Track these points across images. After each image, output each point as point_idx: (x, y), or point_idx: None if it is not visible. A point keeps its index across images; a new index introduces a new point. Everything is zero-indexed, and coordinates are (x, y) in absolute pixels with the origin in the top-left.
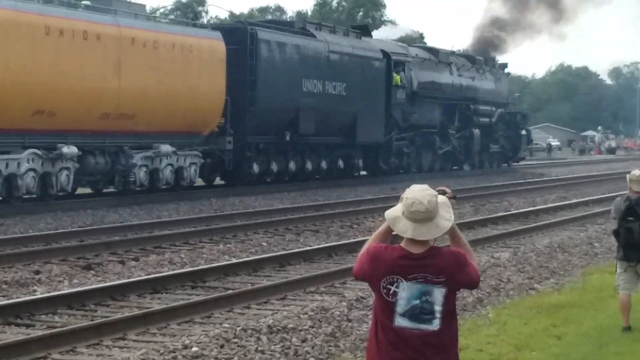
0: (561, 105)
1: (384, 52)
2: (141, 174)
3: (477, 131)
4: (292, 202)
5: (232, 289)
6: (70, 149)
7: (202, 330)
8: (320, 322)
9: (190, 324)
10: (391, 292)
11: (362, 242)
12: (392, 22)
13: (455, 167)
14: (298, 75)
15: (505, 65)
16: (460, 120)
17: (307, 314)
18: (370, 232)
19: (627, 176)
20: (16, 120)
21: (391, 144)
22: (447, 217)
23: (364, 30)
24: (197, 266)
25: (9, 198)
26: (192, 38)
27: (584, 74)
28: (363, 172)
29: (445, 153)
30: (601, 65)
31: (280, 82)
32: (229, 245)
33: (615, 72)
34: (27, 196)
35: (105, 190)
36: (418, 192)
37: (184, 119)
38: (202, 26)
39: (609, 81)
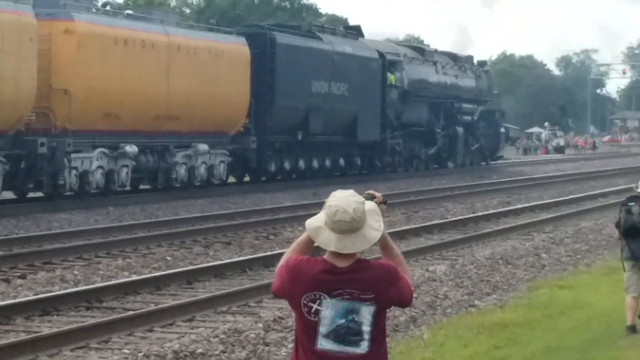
0: (503, 99)
1: (379, 52)
2: (182, 172)
3: (460, 129)
4: (201, 211)
5: (133, 310)
6: (132, 148)
7: (99, 357)
8: (234, 346)
9: (85, 349)
10: (313, 310)
11: (280, 255)
12: (313, 7)
13: (435, 166)
14: (309, 76)
15: (484, 63)
16: (445, 119)
17: (218, 337)
18: (290, 244)
19: None
20: (89, 123)
21: (386, 142)
22: (375, 227)
23: (358, 31)
24: (93, 284)
25: (82, 193)
26: (223, 44)
27: (529, 64)
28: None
29: (433, 150)
30: (548, 53)
31: (295, 84)
32: (128, 260)
33: (564, 62)
34: (95, 191)
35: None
36: (342, 200)
37: (216, 119)
38: (229, 32)
39: (557, 71)
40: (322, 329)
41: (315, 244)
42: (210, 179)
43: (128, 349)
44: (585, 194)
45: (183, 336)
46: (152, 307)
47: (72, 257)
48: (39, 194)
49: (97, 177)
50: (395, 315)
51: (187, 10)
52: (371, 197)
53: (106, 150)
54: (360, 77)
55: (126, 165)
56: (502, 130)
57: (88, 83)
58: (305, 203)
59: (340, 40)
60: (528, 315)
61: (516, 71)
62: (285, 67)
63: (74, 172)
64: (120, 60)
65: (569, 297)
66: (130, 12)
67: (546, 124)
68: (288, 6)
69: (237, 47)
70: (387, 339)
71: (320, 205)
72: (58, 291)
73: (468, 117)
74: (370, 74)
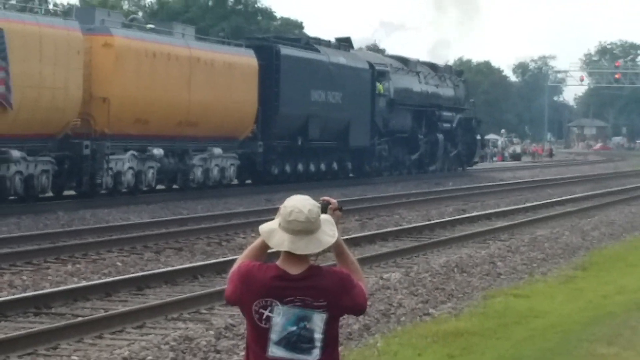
0: None
1: (369, 63)
2: (198, 173)
3: (441, 136)
4: (152, 216)
5: (82, 316)
6: (158, 151)
7: None
8: (184, 353)
9: (33, 356)
10: (264, 317)
11: (232, 262)
12: (268, 10)
13: (418, 171)
14: (308, 86)
15: (461, 73)
16: (426, 126)
17: (168, 344)
18: (242, 250)
19: None
20: (123, 128)
21: (374, 148)
22: (330, 233)
23: (349, 43)
24: (42, 290)
25: (114, 193)
26: (235, 56)
27: (486, 70)
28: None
29: (415, 156)
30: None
31: (296, 93)
32: (78, 265)
33: (521, 68)
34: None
35: None
36: (298, 201)
37: (228, 125)
38: (239, 45)
39: (514, 78)
40: (274, 336)
41: (269, 250)
42: (222, 180)
43: (77, 356)
44: (542, 201)
45: (133, 343)
46: (102, 313)
47: (20, 262)
48: None
49: (129, 177)
50: (349, 323)
51: (140, 13)
52: (327, 203)
53: (136, 153)
54: (353, 87)
55: (152, 167)
56: (478, 137)
57: (123, 92)
58: (258, 209)
59: (335, 52)
60: (483, 324)
61: (473, 77)
62: (288, 77)
63: (109, 172)
64: (149, 71)
65: (524, 306)
66: (152, 25)
67: (503, 131)
68: (242, 9)
69: (247, 59)
70: (340, 347)
71: (272, 212)
72: (6, 297)
73: (447, 125)
74: (362, 84)
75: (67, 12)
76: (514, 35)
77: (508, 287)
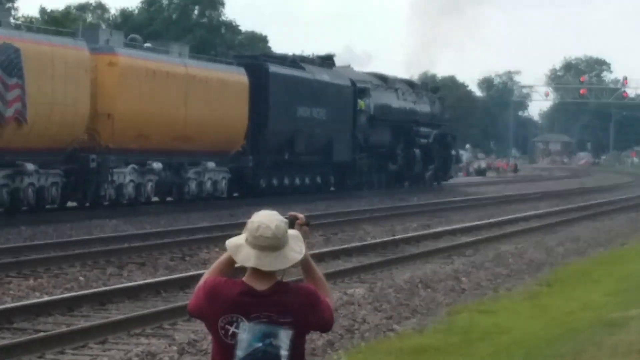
0: None
1: (351, 80)
2: (193, 186)
3: (418, 151)
4: (114, 230)
5: (44, 331)
6: (157, 165)
7: None
8: None
9: None
10: (230, 333)
11: (196, 277)
12: (233, 24)
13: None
14: (295, 102)
15: (437, 89)
16: (404, 141)
17: (131, 359)
18: (206, 266)
19: None
20: (125, 142)
21: (355, 162)
22: (297, 250)
23: (331, 61)
24: (3, 304)
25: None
26: (227, 74)
27: (451, 84)
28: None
29: (393, 171)
30: (470, 74)
31: (284, 109)
32: (40, 280)
33: (486, 83)
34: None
35: None
36: (265, 217)
37: (221, 140)
38: (230, 63)
39: (479, 93)
40: (239, 353)
41: (235, 265)
42: (215, 193)
43: None
44: (506, 217)
45: (95, 358)
46: (64, 328)
47: None
48: None
49: (129, 190)
50: (313, 339)
51: (104, 25)
52: (294, 219)
53: (136, 166)
54: (336, 103)
55: (151, 180)
56: (453, 152)
57: (126, 108)
58: (222, 224)
59: (319, 70)
60: (447, 340)
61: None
62: (277, 94)
63: (112, 185)
64: (150, 89)
65: (489, 322)
66: (149, 45)
67: (467, 146)
68: (206, 22)
69: (238, 76)
70: None
71: (237, 226)
72: None
73: (424, 140)
74: (344, 100)
75: (74, 32)
76: (479, 50)
77: (472, 303)
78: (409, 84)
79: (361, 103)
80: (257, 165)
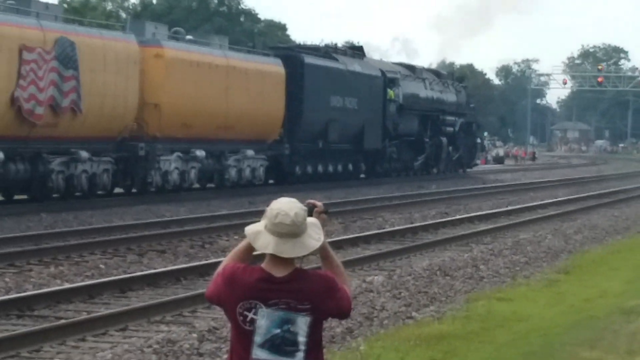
0: None
1: (381, 70)
2: (233, 173)
3: (444, 139)
4: (135, 218)
5: (65, 319)
6: (200, 153)
7: None
8: (167, 356)
9: (15, 359)
10: (248, 319)
11: (215, 265)
12: (252, 12)
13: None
14: (328, 92)
15: (462, 79)
16: (431, 130)
17: (151, 347)
18: (225, 253)
19: None
20: (171, 131)
21: (385, 150)
22: (315, 237)
23: (362, 51)
24: (24, 292)
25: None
26: (266, 65)
27: (469, 73)
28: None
29: (421, 158)
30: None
31: (318, 99)
32: (61, 267)
33: (504, 71)
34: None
35: None
36: (284, 204)
37: (259, 129)
38: (267, 54)
39: (497, 81)
40: (258, 339)
41: (254, 252)
42: (252, 180)
43: (60, 358)
44: (525, 205)
45: (116, 346)
46: (85, 316)
47: (3, 264)
48: None
49: (174, 177)
50: (332, 326)
51: (124, 14)
52: (312, 206)
53: (181, 154)
54: (367, 93)
55: (194, 167)
56: (478, 140)
57: (172, 98)
58: (241, 211)
59: (351, 60)
60: (466, 327)
61: None
62: (311, 84)
63: (159, 172)
64: (193, 80)
65: (507, 310)
66: (190, 37)
67: (485, 134)
68: (226, 11)
69: (275, 67)
70: (324, 350)
71: (255, 214)
72: None
73: (450, 129)
74: (375, 90)
75: (123, 26)
76: (497, 39)
77: (491, 290)
78: (436, 73)
79: (391, 92)
80: (293, 153)
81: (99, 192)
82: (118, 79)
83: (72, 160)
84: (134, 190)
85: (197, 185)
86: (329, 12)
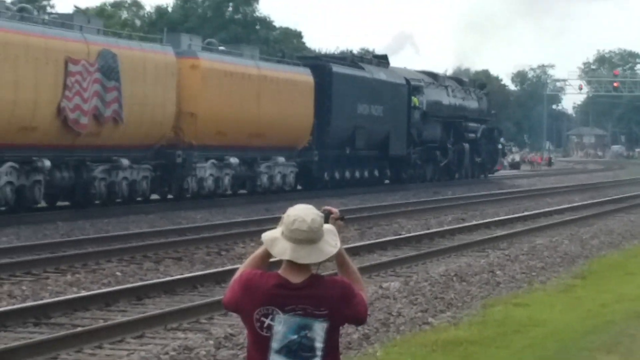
0: None
1: (406, 79)
2: (264, 179)
3: (467, 145)
4: (151, 226)
5: (82, 326)
6: (234, 160)
7: None
8: None
9: None
10: (265, 325)
11: (232, 272)
12: (267, 19)
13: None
14: (355, 100)
15: (484, 86)
16: (454, 136)
17: (168, 354)
18: (242, 260)
19: None
20: (206, 139)
21: (410, 156)
22: (332, 244)
23: (386, 60)
24: (41, 300)
25: (197, 197)
26: (295, 74)
27: (485, 79)
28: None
29: (444, 164)
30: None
31: (345, 107)
32: (77, 275)
33: (520, 77)
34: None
35: None
36: (301, 210)
37: (289, 137)
38: (297, 64)
39: (512, 86)
40: (274, 345)
41: (271, 259)
42: (283, 186)
43: None
44: (541, 210)
45: (133, 353)
46: (101, 323)
47: (20, 272)
48: None
49: (209, 183)
50: (348, 332)
51: (139, 22)
52: (328, 213)
53: (215, 161)
54: (392, 100)
55: (228, 174)
56: (500, 146)
57: (207, 108)
58: (258, 218)
59: (376, 69)
60: (482, 333)
61: None
62: (339, 93)
63: (194, 178)
64: (227, 89)
65: (523, 315)
66: (223, 47)
67: (502, 139)
68: (241, 19)
69: (304, 76)
70: (340, 356)
71: (272, 221)
72: (5, 307)
73: (472, 135)
74: (400, 98)
75: (160, 38)
76: (512, 44)
77: (507, 295)
78: (458, 81)
79: (415, 100)
80: (321, 159)
81: (138, 199)
82: (157, 89)
83: (114, 167)
84: (170, 196)
85: (229, 192)
86: (343, 19)
